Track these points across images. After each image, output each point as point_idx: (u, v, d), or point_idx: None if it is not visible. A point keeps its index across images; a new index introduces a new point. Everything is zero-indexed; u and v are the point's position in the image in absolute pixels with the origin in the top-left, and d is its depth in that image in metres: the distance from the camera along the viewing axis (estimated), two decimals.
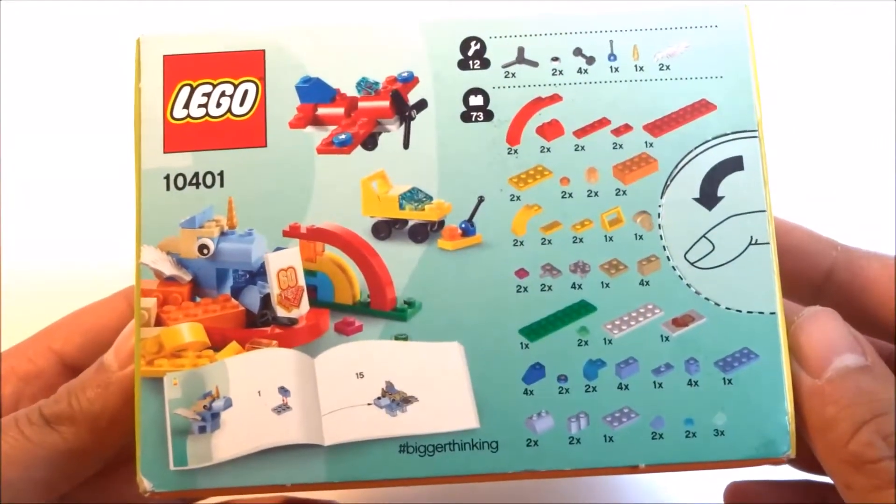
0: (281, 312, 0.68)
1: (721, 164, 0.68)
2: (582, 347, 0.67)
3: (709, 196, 0.68)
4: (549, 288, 0.68)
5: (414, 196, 0.68)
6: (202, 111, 0.68)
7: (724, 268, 0.67)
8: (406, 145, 0.68)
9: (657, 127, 0.68)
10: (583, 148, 0.68)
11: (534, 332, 0.68)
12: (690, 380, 0.66)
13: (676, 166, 0.68)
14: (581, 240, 0.69)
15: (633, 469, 0.65)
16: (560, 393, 0.67)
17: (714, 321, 0.66)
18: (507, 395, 0.66)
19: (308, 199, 0.68)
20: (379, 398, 0.66)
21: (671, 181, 0.68)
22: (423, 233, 0.68)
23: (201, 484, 0.66)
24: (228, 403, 0.66)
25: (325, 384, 0.66)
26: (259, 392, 0.66)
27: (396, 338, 0.67)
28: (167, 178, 0.68)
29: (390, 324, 0.67)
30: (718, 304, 0.67)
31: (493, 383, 0.66)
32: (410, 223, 0.68)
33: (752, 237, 0.69)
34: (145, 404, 0.66)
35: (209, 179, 0.68)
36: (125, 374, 0.67)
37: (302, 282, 0.68)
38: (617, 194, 0.68)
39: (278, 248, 0.68)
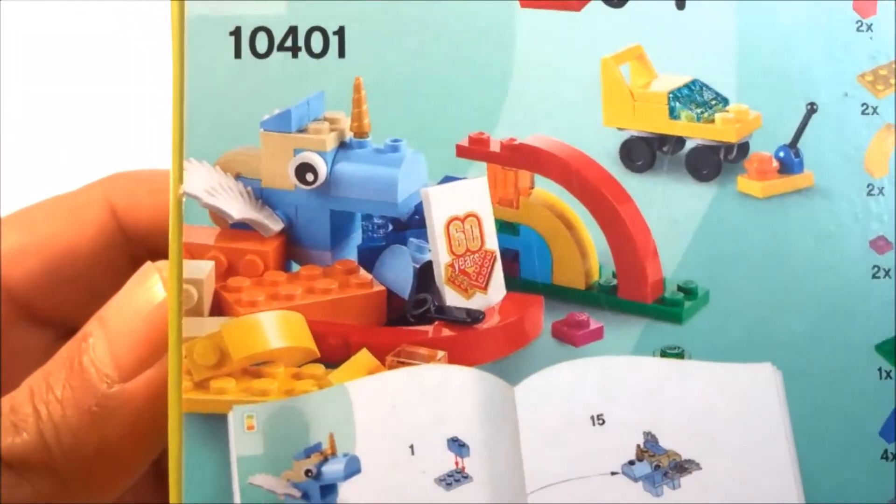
0: (453, 299, 0.35)
1: None
2: None
3: None
4: None
5: (696, 96, 0.37)
6: None
7: None
8: (682, 3, 0.36)
9: None
10: None
11: None
12: None
13: None
14: None
15: None
16: None
17: None
18: (853, 462, 0.34)
19: (504, 90, 0.36)
20: (632, 463, 0.34)
21: None
22: (711, 163, 0.36)
23: None
24: (354, 467, 0.32)
25: (535, 434, 0.34)
26: (412, 447, 0.33)
27: (665, 354, 0.35)
28: (236, 34, 0.35)
29: (654, 326, 0.36)
30: None
31: (829, 440, 0.35)
32: (690, 145, 0.37)
33: None
34: (192, 466, 0.33)
35: (317, 42, 0.35)
36: (136, 393, 0.35)
37: (493, 244, 0.35)
38: None
39: (448, 178, 0.35)
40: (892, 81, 0.36)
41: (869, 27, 0.36)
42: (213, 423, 0.33)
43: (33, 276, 0.42)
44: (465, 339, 0.34)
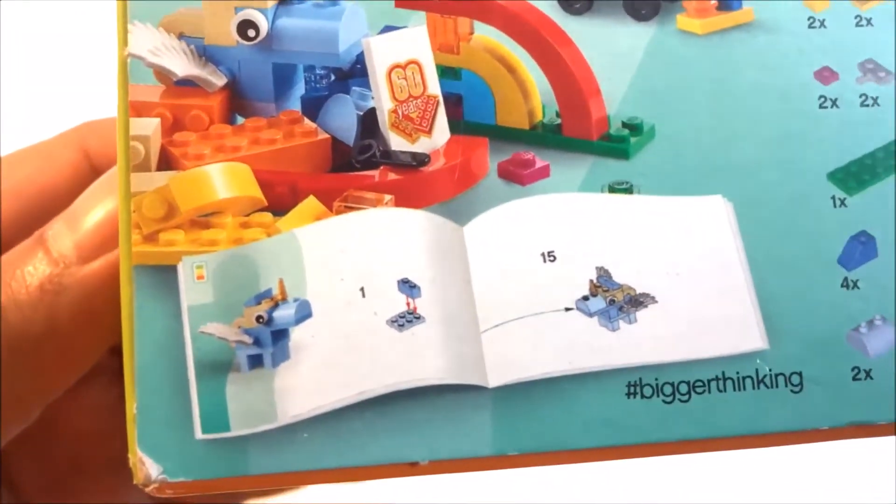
0: (398, 143, 0.32)
1: None
2: None
3: None
4: (875, 101, 0.33)
5: None
6: None
7: None
8: None
9: None
10: None
11: (853, 177, 0.32)
12: None
13: None
14: None
15: None
16: None
17: None
18: (813, 290, 0.31)
19: None
20: (586, 298, 0.31)
21: None
22: (649, 3, 0.33)
23: (257, 465, 0.29)
24: (305, 311, 0.30)
25: (485, 274, 0.31)
26: (362, 290, 0.30)
27: (613, 189, 0.32)
28: None
29: (600, 163, 0.32)
30: None
31: (787, 269, 0.31)
32: None
33: None
34: (144, 317, 0.30)
35: None
36: (93, 272, 0.33)
37: (436, 89, 0.32)
38: None
39: (388, 28, 0.33)
40: None
41: None
42: (164, 275, 0.31)
43: (13, 216, 0.40)
44: (411, 182, 0.31)
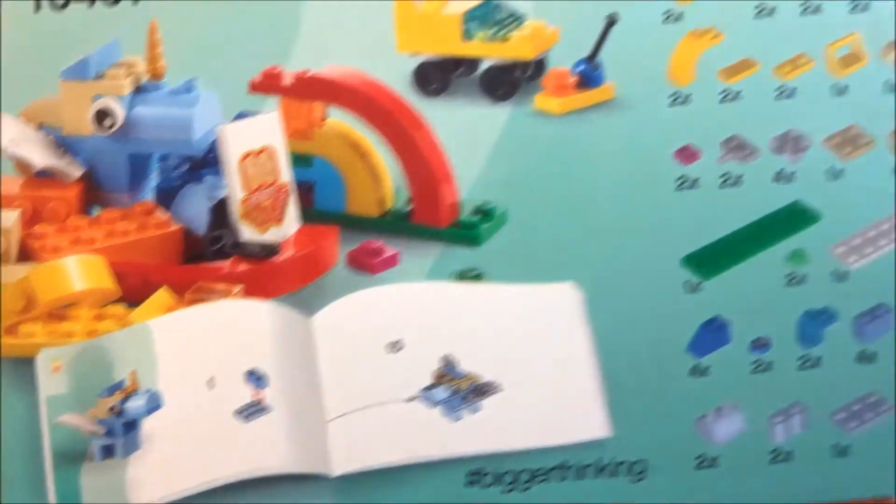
0: (249, 233, 0.32)
1: None
2: (794, 288, 0.31)
3: None
4: (738, 180, 0.32)
5: (490, 16, 0.33)
6: None
7: None
8: None
9: None
10: None
11: (709, 261, 0.31)
12: None
13: None
14: (792, 93, 0.32)
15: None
16: (756, 371, 0.31)
17: None
18: (661, 378, 0.31)
19: (296, 22, 0.33)
20: (430, 388, 0.30)
21: None
22: (506, 82, 0.33)
23: None
24: (155, 403, 0.30)
25: (332, 363, 0.31)
26: (211, 380, 0.30)
27: (462, 276, 0.31)
28: None
29: (450, 250, 0.32)
30: None
31: (636, 357, 0.31)
32: (484, 65, 0.33)
33: None
34: (5, 408, 0.31)
35: None
36: None
37: (287, 176, 0.32)
38: (854, 10, 0.32)
39: (241, 115, 0.32)
40: None
41: None
42: (22, 368, 0.31)
43: None
44: (260, 273, 0.31)
